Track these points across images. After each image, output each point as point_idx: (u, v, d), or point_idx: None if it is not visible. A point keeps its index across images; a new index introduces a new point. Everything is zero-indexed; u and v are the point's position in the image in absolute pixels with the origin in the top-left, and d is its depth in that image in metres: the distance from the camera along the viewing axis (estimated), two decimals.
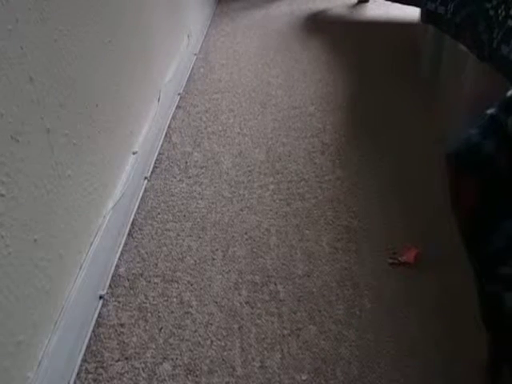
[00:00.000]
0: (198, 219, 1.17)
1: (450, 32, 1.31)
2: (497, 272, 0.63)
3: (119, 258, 1.06)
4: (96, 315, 0.93)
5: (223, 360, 0.86)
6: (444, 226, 1.09)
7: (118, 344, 0.89)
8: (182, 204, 1.22)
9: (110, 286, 1.00)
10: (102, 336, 0.90)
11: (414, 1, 1.58)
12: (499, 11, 0.96)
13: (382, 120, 1.52)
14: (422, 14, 1.50)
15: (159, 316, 0.94)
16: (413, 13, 2.11)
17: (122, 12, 1.14)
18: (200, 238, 1.12)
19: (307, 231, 1.13)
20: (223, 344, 0.89)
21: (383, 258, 1.05)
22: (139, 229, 1.15)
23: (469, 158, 0.64)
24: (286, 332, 0.91)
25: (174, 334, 0.91)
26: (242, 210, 1.19)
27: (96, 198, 0.97)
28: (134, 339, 0.90)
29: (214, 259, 1.06)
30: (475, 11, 1.08)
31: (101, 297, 0.96)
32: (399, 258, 1.03)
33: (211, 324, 0.92)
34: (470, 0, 1.13)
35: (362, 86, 1.71)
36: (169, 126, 1.53)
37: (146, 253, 1.08)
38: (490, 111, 0.64)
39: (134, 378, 0.84)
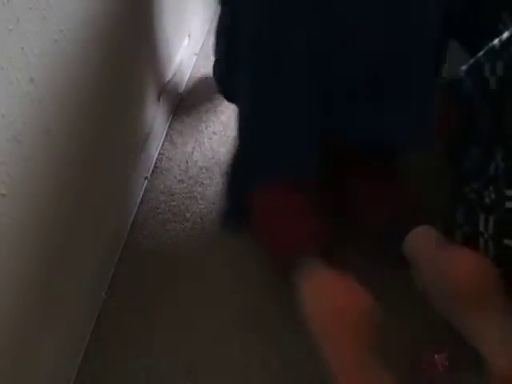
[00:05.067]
0: (199, 219, 1.17)
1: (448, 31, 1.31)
2: (461, 189, 0.75)
3: (119, 258, 1.06)
4: (96, 315, 0.93)
5: (223, 360, 0.86)
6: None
7: (118, 344, 0.89)
8: (183, 204, 1.22)
9: (110, 285, 1.00)
10: (102, 336, 0.90)
11: None
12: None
13: None
14: None
15: (159, 315, 0.94)
16: None
17: (123, 12, 1.14)
18: (200, 237, 1.12)
19: None
20: (223, 344, 0.89)
21: (383, 258, 1.05)
22: (139, 229, 1.15)
23: (452, 89, 0.76)
24: (286, 332, 0.91)
25: (174, 333, 0.91)
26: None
27: (97, 197, 0.97)
28: (135, 339, 0.90)
29: (214, 259, 1.06)
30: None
31: (101, 296, 0.96)
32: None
33: (211, 323, 0.92)
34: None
35: None
36: (169, 126, 1.53)
37: (147, 252, 1.08)
38: (480, 54, 0.73)
39: (134, 378, 0.84)
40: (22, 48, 0.68)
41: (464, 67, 0.73)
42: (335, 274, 0.76)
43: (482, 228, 0.72)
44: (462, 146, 0.75)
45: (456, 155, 0.76)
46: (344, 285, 0.75)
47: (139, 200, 1.22)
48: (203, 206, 1.20)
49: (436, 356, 0.83)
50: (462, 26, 0.92)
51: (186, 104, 1.67)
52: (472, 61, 0.73)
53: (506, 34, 0.70)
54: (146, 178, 1.29)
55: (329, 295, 0.75)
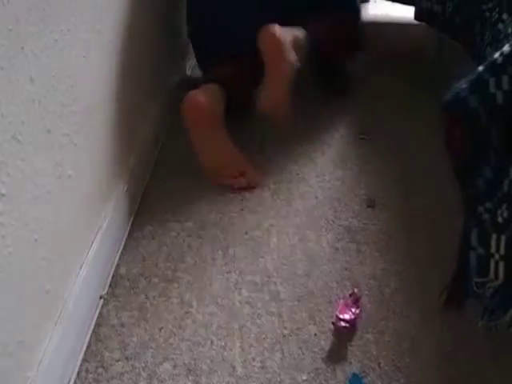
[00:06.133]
0: (199, 219, 1.17)
1: (448, 32, 1.31)
2: (475, 211, 0.72)
3: (120, 258, 1.06)
4: (96, 315, 0.93)
5: (223, 360, 0.86)
6: (447, 225, 1.09)
7: (118, 344, 0.89)
8: (183, 204, 1.22)
9: (110, 285, 1.00)
10: (102, 336, 0.90)
11: (414, 1, 1.57)
12: (493, 13, 0.97)
13: (383, 120, 1.52)
14: (416, 12, 1.50)
15: (159, 316, 0.94)
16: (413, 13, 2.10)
17: (123, 12, 1.14)
18: (200, 237, 1.12)
19: (307, 231, 1.12)
20: (223, 344, 0.89)
21: (383, 258, 1.05)
22: (140, 229, 1.15)
23: (457, 111, 0.73)
24: (286, 332, 0.91)
25: (174, 333, 0.91)
26: (242, 210, 1.19)
27: (96, 197, 0.97)
28: (135, 339, 0.90)
29: (214, 259, 1.06)
30: (474, 12, 1.08)
31: (101, 297, 0.96)
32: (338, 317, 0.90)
33: (211, 324, 0.92)
34: (469, 0, 1.13)
35: (363, 86, 1.71)
36: (169, 126, 1.53)
37: (147, 253, 1.08)
38: (479, 68, 0.70)
39: (134, 378, 0.84)
40: (22, 48, 0.67)
41: (464, 85, 0.71)
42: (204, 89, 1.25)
43: (493, 249, 0.70)
44: (473, 168, 0.73)
45: (468, 179, 0.74)
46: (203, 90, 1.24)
47: (140, 200, 1.22)
48: (203, 206, 1.21)
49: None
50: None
51: None
52: (472, 77, 0.71)
53: (506, 48, 0.68)
54: (146, 177, 1.29)
55: (189, 96, 1.22)
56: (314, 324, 0.92)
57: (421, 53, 1.80)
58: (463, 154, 0.73)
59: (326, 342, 0.89)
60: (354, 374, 0.82)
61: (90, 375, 0.84)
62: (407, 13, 1.75)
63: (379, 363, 0.85)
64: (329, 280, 1.00)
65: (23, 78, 0.68)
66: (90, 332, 0.90)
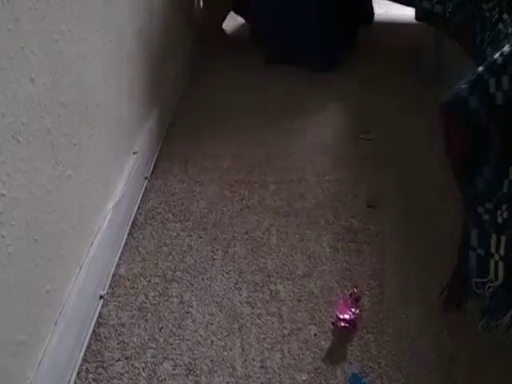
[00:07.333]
0: (199, 219, 1.17)
1: (448, 31, 1.31)
2: (475, 211, 0.72)
3: (119, 258, 1.06)
4: (96, 315, 0.93)
5: (223, 360, 0.86)
6: (447, 225, 1.09)
7: (118, 344, 0.89)
8: (183, 204, 1.22)
9: (110, 285, 1.00)
10: (102, 336, 0.90)
11: (413, 1, 1.57)
12: (493, 13, 0.97)
13: (383, 120, 1.52)
14: (417, 12, 1.51)
15: (159, 316, 0.94)
16: (413, 13, 2.10)
17: (123, 12, 1.14)
18: (200, 237, 1.12)
19: (307, 231, 1.13)
20: (223, 344, 0.89)
21: (383, 258, 1.05)
22: (139, 229, 1.15)
23: (457, 111, 0.73)
24: (286, 332, 0.91)
25: (174, 333, 0.91)
26: (242, 210, 1.19)
27: (96, 197, 0.97)
28: (135, 339, 0.90)
29: (214, 259, 1.06)
30: (474, 12, 1.08)
31: (101, 296, 0.96)
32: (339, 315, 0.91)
33: (211, 324, 0.92)
34: (469, 0, 1.13)
35: (362, 86, 1.71)
36: (169, 126, 1.53)
37: (147, 252, 1.08)
38: (479, 69, 0.70)
39: (134, 378, 0.84)
40: (22, 48, 0.67)
41: (464, 85, 0.71)
42: None
43: (493, 249, 0.70)
44: (472, 168, 0.73)
45: (468, 179, 0.74)
46: None
47: (139, 200, 1.22)
48: (203, 206, 1.21)
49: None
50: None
51: (186, 104, 1.67)
52: (472, 77, 0.71)
53: (506, 48, 0.68)
54: (146, 177, 1.29)
55: None
56: (314, 324, 0.92)
57: (420, 52, 1.80)
58: (463, 155, 0.73)
59: (325, 342, 0.89)
60: (354, 374, 0.82)
61: (90, 375, 0.84)
62: (407, 12, 1.76)
63: (379, 363, 0.85)
64: (329, 280, 1.01)
65: (23, 77, 0.68)
66: (90, 332, 0.90)
